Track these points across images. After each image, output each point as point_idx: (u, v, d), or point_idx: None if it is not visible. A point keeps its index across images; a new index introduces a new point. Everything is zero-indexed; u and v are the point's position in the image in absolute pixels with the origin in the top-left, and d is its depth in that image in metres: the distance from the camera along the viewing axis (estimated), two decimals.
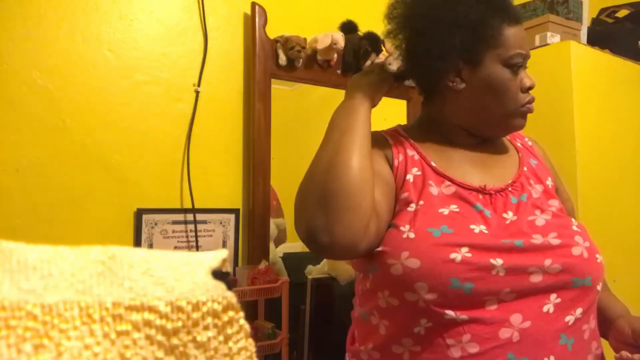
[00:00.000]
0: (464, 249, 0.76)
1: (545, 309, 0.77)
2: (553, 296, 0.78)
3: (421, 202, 0.83)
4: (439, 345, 0.76)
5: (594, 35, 2.13)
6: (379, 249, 0.80)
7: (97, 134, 1.37)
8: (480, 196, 0.85)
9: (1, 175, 1.25)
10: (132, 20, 1.43)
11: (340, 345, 1.03)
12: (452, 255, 0.75)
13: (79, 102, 1.35)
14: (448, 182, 0.86)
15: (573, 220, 0.88)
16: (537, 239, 0.80)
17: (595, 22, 2.40)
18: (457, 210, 0.82)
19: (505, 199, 0.86)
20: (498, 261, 0.76)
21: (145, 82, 1.44)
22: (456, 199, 0.84)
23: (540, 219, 0.84)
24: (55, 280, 0.31)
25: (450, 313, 0.75)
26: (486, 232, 0.80)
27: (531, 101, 0.91)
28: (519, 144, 1.00)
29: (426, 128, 0.96)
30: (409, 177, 0.87)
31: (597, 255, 0.83)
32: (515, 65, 0.87)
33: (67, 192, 1.32)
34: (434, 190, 0.85)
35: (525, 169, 0.93)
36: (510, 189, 0.88)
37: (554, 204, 0.89)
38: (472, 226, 0.80)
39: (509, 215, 0.84)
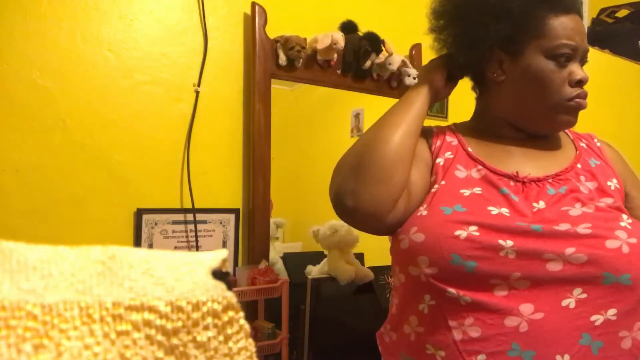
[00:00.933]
0: (472, 227, 0.74)
1: (565, 303, 0.71)
2: (577, 290, 0.71)
3: (443, 182, 0.83)
4: (441, 327, 0.75)
5: (594, 35, 2.14)
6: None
7: (97, 134, 1.36)
8: (512, 183, 0.82)
9: (1, 175, 1.25)
10: (132, 20, 1.43)
11: (340, 345, 1.03)
12: (457, 232, 0.74)
13: (79, 102, 1.35)
14: (480, 167, 0.85)
15: (624, 216, 0.79)
16: (563, 227, 0.74)
17: (595, 22, 2.40)
18: (480, 192, 0.81)
19: (541, 189, 0.82)
20: (508, 242, 0.72)
21: (145, 82, 1.44)
22: (483, 182, 0.83)
23: (577, 210, 0.77)
24: (55, 280, 0.31)
25: (452, 291, 0.73)
26: (507, 214, 0.77)
27: (581, 96, 0.85)
28: (582, 144, 0.94)
29: (475, 122, 0.97)
30: (439, 160, 0.88)
31: None
32: (561, 57, 0.83)
33: (67, 192, 1.32)
34: (460, 173, 0.85)
35: (579, 165, 0.87)
36: (551, 180, 0.83)
37: (607, 201, 0.81)
38: (490, 207, 0.78)
39: (540, 204, 0.79)
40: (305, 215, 1.79)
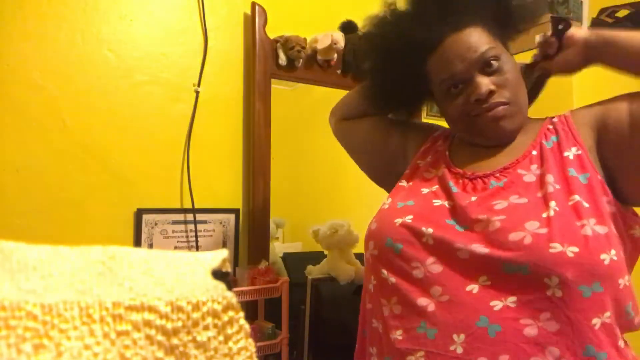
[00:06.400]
0: (410, 217, 0.85)
1: (469, 288, 0.76)
2: (482, 278, 0.76)
3: (410, 184, 0.95)
4: (378, 304, 0.86)
5: None
6: None
7: (97, 134, 1.36)
8: (460, 180, 0.89)
9: (1, 175, 1.25)
10: (132, 21, 1.43)
11: (339, 345, 1.03)
12: (396, 220, 0.85)
13: (79, 102, 1.35)
14: (444, 167, 0.94)
15: (553, 203, 0.76)
16: (480, 225, 0.78)
17: (595, 22, 2.40)
18: (435, 190, 0.90)
19: (486, 184, 0.85)
20: (429, 230, 0.81)
21: (145, 82, 1.44)
22: (440, 181, 0.92)
23: (503, 203, 0.79)
24: (55, 280, 0.31)
25: (384, 272, 0.84)
26: (448, 206, 0.85)
27: (480, 112, 0.85)
28: (550, 126, 0.89)
29: None
30: (420, 162, 0.99)
31: (554, 245, 0.71)
32: (447, 91, 0.89)
33: (67, 192, 1.32)
34: (428, 174, 0.95)
35: (534, 152, 0.85)
36: (498, 174, 0.85)
37: (548, 189, 0.78)
38: (434, 200, 0.88)
39: (472, 199, 0.83)
40: (305, 215, 1.79)
